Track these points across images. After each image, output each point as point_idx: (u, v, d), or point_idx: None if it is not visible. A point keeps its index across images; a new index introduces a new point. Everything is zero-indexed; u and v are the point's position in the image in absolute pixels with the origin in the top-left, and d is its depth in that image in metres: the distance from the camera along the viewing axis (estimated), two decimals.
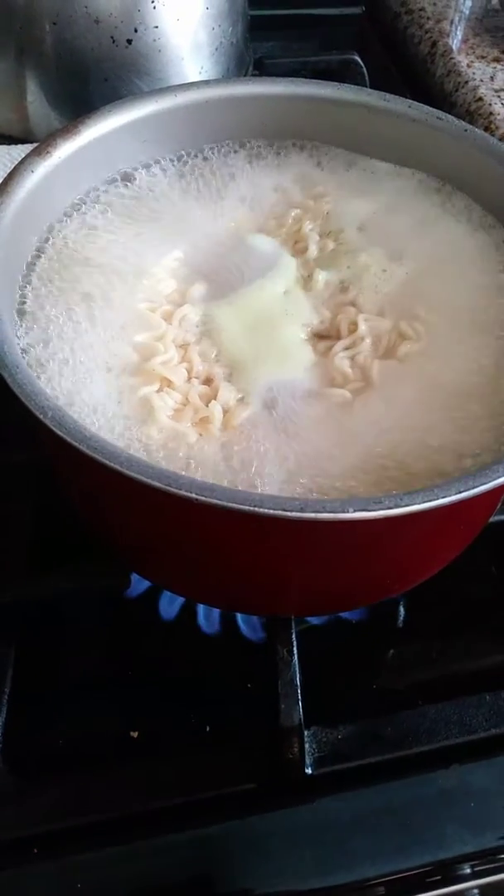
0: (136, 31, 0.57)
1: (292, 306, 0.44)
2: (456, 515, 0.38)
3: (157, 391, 0.39)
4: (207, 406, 0.39)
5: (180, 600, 0.49)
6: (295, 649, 0.46)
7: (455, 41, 0.88)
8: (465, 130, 0.48)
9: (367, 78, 0.79)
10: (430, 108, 0.49)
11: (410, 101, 0.49)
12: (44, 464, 0.42)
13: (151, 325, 0.41)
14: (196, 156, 0.50)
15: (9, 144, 0.61)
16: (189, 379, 0.40)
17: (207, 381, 0.41)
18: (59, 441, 0.32)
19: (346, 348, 0.42)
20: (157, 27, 0.57)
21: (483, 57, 0.85)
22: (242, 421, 0.39)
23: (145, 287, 0.43)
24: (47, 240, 0.44)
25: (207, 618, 0.49)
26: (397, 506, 0.31)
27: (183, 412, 0.39)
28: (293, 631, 0.46)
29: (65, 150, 0.43)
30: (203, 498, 0.30)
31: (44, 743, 0.47)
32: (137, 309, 0.41)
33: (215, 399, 0.39)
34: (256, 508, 0.30)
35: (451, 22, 0.90)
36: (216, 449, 0.38)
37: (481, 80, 0.82)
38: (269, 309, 0.44)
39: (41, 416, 0.32)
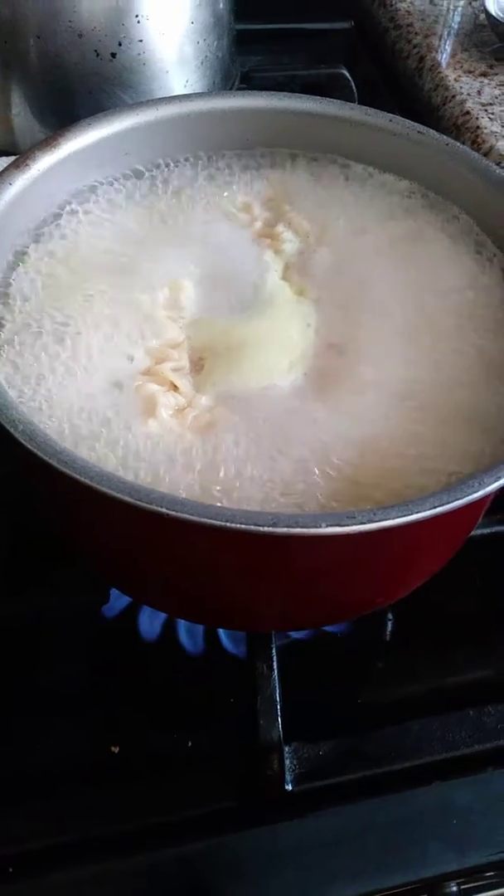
0: (120, 44, 0.57)
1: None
2: (434, 530, 0.38)
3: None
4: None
5: (161, 619, 0.49)
6: (275, 664, 0.46)
7: (443, 56, 0.88)
8: (447, 144, 0.48)
9: (355, 92, 0.80)
10: (412, 123, 0.49)
11: (392, 115, 0.50)
12: (20, 478, 0.42)
13: (161, 332, 0.42)
14: (174, 167, 0.50)
15: None
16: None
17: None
18: (30, 455, 0.32)
19: None
20: (141, 41, 0.57)
21: (470, 71, 0.86)
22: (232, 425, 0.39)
23: (127, 298, 0.43)
24: (26, 251, 0.44)
25: (190, 635, 0.49)
26: (371, 521, 0.31)
27: (183, 414, 0.39)
28: (272, 646, 0.46)
29: (44, 162, 0.43)
30: (173, 513, 0.30)
31: (21, 760, 0.46)
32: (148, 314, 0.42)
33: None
34: (227, 523, 0.30)
35: (440, 37, 0.91)
36: (208, 450, 0.38)
37: (468, 95, 0.82)
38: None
39: (11, 430, 0.32)
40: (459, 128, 0.80)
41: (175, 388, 0.41)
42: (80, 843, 0.43)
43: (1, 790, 0.44)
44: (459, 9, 0.95)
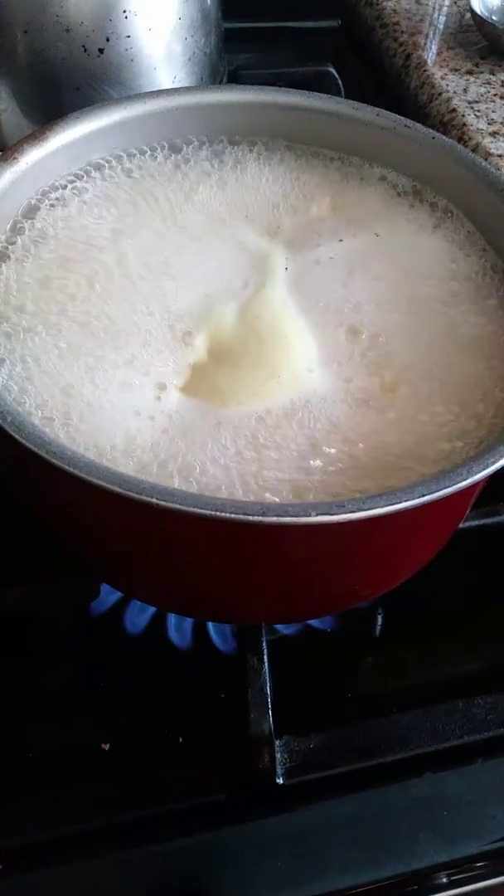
0: (107, 40, 0.57)
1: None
2: (423, 520, 0.38)
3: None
4: None
5: (147, 615, 0.49)
6: (266, 658, 0.46)
7: (429, 54, 0.89)
8: (433, 138, 0.49)
9: (342, 90, 0.80)
10: (399, 117, 0.50)
11: (379, 109, 0.50)
12: (8, 472, 0.42)
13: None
14: (160, 159, 0.50)
15: None
16: None
17: None
18: (19, 446, 0.32)
19: None
20: (129, 36, 0.57)
21: (456, 70, 0.86)
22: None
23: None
24: (13, 240, 0.44)
25: (179, 630, 0.49)
26: (360, 509, 0.31)
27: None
28: (263, 639, 0.46)
29: (32, 156, 0.43)
30: (163, 503, 0.30)
31: (9, 755, 0.46)
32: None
33: None
34: (217, 513, 0.30)
35: (426, 35, 0.91)
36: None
37: (454, 92, 0.82)
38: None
39: (0, 422, 0.32)
40: (446, 125, 0.81)
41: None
42: (71, 838, 0.42)
43: None
44: (445, 8, 0.96)
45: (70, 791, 0.45)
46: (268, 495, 0.36)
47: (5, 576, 0.49)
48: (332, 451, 0.38)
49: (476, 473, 0.33)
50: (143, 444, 0.37)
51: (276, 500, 0.36)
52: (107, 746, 0.47)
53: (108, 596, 0.50)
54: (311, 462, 0.38)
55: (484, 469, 0.33)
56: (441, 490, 0.32)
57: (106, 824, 0.43)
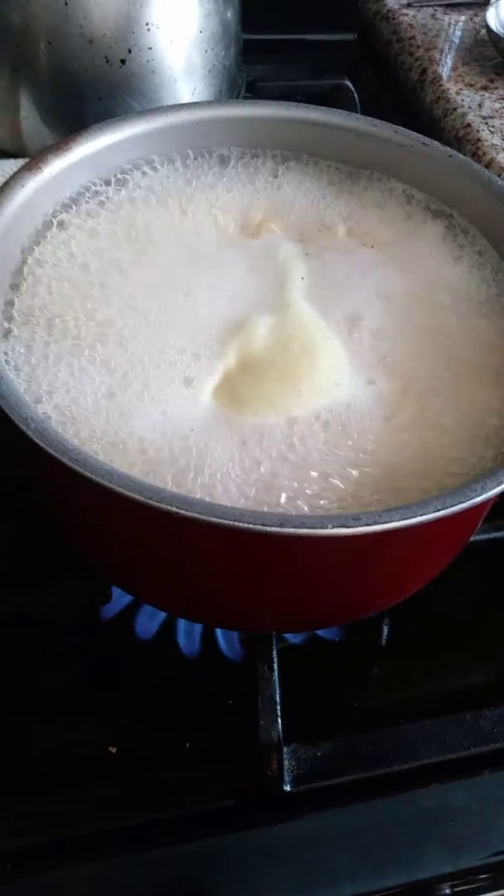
0: (129, 51, 0.58)
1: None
2: (436, 533, 0.39)
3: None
4: None
5: (158, 620, 0.49)
6: (276, 666, 0.46)
7: (444, 69, 0.90)
8: (451, 156, 0.49)
9: (357, 103, 0.81)
10: (416, 134, 0.50)
11: (397, 126, 0.50)
12: (25, 477, 0.42)
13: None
14: (181, 169, 0.50)
15: (2, 159, 0.62)
16: None
17: None
18: (41, 452, 0.32)
19: None
20: (150, 48, 0.58)
21: (471, 85, 0.87)
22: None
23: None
24: (37, 248, 0.45)
25: (188, 637, 0.49)
26: (376, 522, 0.32)
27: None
28: (274, 648, 0.46)
29: (56, 166, 0.44)
30: (183, 511, 0.30)
31: (19, 758, 0.46)
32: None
33: None
34: (236, 523, 0.30)
35: (441, 50, 0.92)
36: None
37: (469, 108, 0.83)
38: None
39: (24, 427, 0.32)
40: (460, 140, 0.82)
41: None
42: (78, 841, 0.43)
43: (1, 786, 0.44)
44: (461, 23, 0.97)
45: (77, 794, 0.45)
46: (283, 503, 0.36)
47: (18, 579, 0.50)
48: (349, 462, 0.38)
49: (489, 490, 0.33)
50: (163, 449, 0.38)
51: (292, 509, 0.36)
52: (114, 750, 0.47)
53: (119, 599, 0.50)
54: (328, 473, 0.38)
55: (497, 486, 0.33)
56: (455, 506, 0.33)
57: (112, 827, 0.43)
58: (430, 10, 0.98)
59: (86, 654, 0.51)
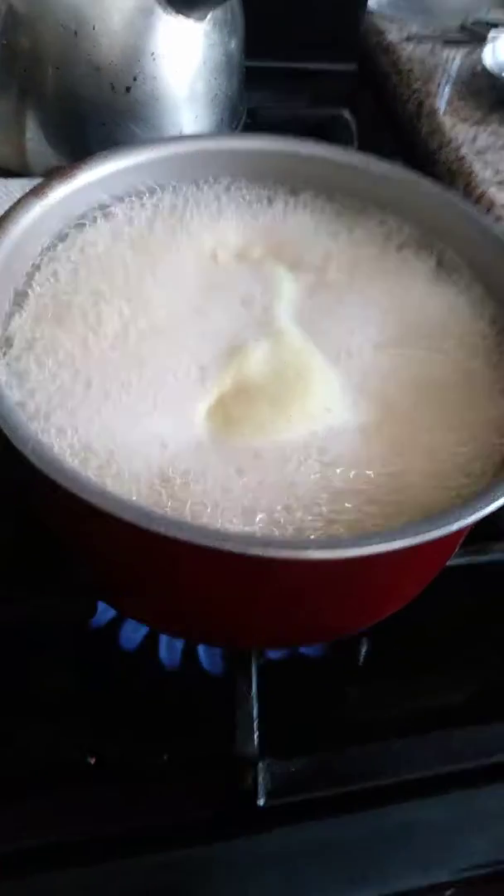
0: (135, 79, 0.60)
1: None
2: (414, 557, 0.40)
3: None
4: None
5: (143, 631, 0.50)
6: (254, 682, 0.47)
7: (441, 102, 0.92)
8: (442, 193, 0.51)
9: (354, 134, 0.83)
10: (410, 171, 0.52)
11: (391, 163, 0.52)
12: (12, 487, 0.43)
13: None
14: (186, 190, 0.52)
15: (5, 178, 0.63)
16: None
17: None
18: (37, 472, 0.34)
19: None
20: (155, 77, 0.60)
21: (466, 119, 0.89)
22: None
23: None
24: (39, 272, 0.47)
25: (169, 650, 0.50)
26: (355, 546, 0.33)
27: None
28: (253, 664, 0.47)
29: (61, 192, 0.45)
30: (170, 533, 0.32)
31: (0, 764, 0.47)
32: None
33: None
34: (221, 545, 0.32)
35: (438, 84, 0.95)
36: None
37: (463, 141, 0.85)
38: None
39: (21, 448, 0.34)
40: (454, 173, 0.84)
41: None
42: (51, 849, 0.43)
43: None
44: (458, 59, 0.99)
45: (53, 802, 0.45)
46: (269, 524, 0.38)
47: (6, 588, 0.51)
48: (337, 485, 0.40)
49: (465, 518, 0.35)
50: (154, 469, 0.39)
51: (277, 531, 0.38)
52: (93, 760, 0.48)
53: (106, 612, 0.51)
54: (315, 495, 0.39)
55: (472, 514, 0.35)
56: (433, 532, 0.34)
57: (86, 837, 0.44)
58: (429, 44, 1.01)
59: (70, 663, 0.52)
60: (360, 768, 0.48)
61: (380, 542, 0.33)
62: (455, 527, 0.35)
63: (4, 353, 0.42)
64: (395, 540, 0.34)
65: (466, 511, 0.35)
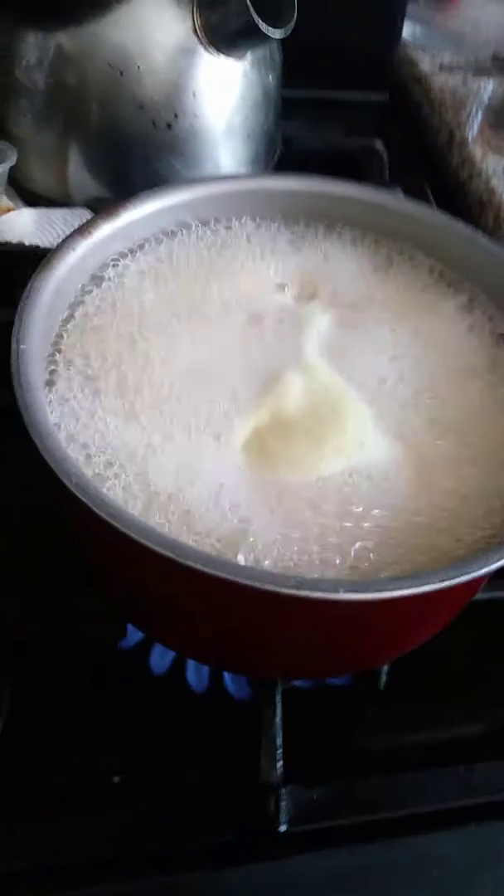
0: (176, 116, 0.61)
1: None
2: (440, 598, 0.41)
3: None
4: None
5: (171, 655, 0.52)
6: (279, 709, 0.48)
7: (471, 133, 0.93)
8: (472, 236, 0.53)
9: (386, 165, 0.84)
10: (439, 213, 0.54)
11: (422, 204, 0.54)
12: (51, 510, 0.44)
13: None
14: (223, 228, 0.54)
15: (48, 207, 0.65)
16: None
17: None
18: (80, 504, 0.35)
19: None
20: (195, 114, 0.62)
21: (498, 149, 0.90)
22: None
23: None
24: (81, 306, 0.48)
25: (197, 674, 0.52)
26: (385, 589, 0.34)
27: None
28: (278, 692, 0.48)
29: (105, 230, 0.47)
30: (207, 569, 0.33)
31: (26, 780, 0.48)
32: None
33: None
34: (256, 583, 0.33)
35: (469, 114, 0.96)
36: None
37: (493, 172, 0.86)
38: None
39: (66, 481, 0.35)
40: (484, 204, 0.85)
41: None
42: (73, 867, 0.44)
43: (8, 810, 0.46)
44: (490, 88, 1.01)
45: (79, 821, 0.46)
46: (300, 559, 0.39)
47: (38, 609, 0.52)
48: (366, 524, 0.41)
49: (490, 564, 0.36)
50: (191, 502, 0.41)
51: (307, 566, 0.39)
52: (117, 779, 0.49)
53: (136, 633, 0.53)
54: (347, 532, 0.41)
55: (498, 561, 0.36)
56: (459, 577, 0.35)
57: (109, 855, 0.45)
58: (462, 74, 1.02)
59: (101, 682, 0.53)
60: (381, 797, 0.48)
61: (408, 587, 0.34)
62: (481, 572, 0.36)
63: (48, 384, 0.44)
64: (422, 585, 0.35)
65: (492, 557, 0.36)
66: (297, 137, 0.83)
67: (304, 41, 0.79)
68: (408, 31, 1.05)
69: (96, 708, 0.52)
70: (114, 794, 0.49)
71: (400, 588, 0.34)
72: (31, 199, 0.67)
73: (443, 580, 0.35)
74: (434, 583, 0.35)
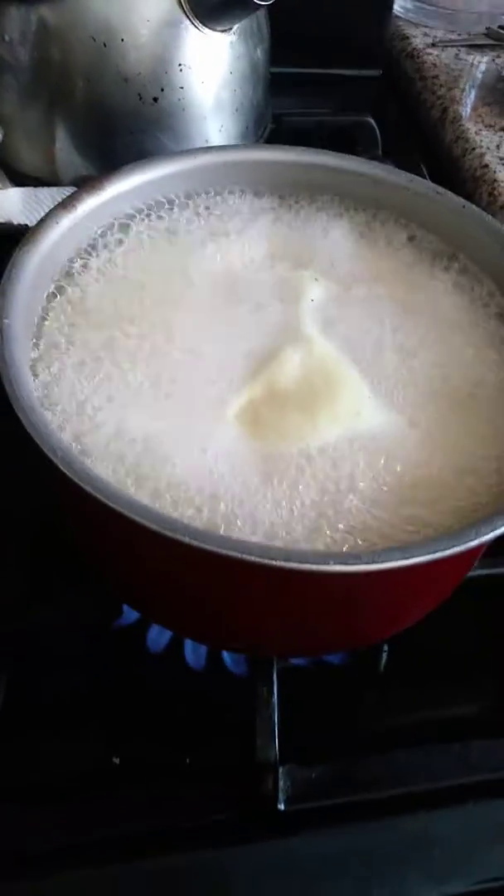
0: (162, 90, 0.60)
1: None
2: (433, 571, 0.41)
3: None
4: None
5: (169, 634, 0.51)
6: (275, 688, 0.48)
7: (465, 109, 0.92)
8: (463, 206, 0.52)
9: (379, 140, 0.83)
10: (430, 183, 0.53)
11: (412, 175, 0.53)
12: (44, 495, 0.44)
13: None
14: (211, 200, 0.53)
15: (35, 186, 0.64)
16: None
17: None
18: (66, 480, 0.34)
19: None
20: (182, 88, 0.61)
21: (491, 125, 0.89)
22: None
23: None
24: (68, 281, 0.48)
25: (195, 652, 0.51)
26: (375, 561, 0.34)
27: None
28: (274, 670, 0.48)
29: (89, 204, 0.46)
30: (195, 543, 0.33)
31: (26, 764, 0.48)
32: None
33: None
34: (244, 556, 0.32)
35: (462, 90, 0.95)
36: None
37: (487, 148, 0.85)
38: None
39: (51, 456, 0.34)
40: (477, 179, 0.84)
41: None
42: (73, 848, 0.44)
43: (4, 794, 0.46)
44: (483, 64, 0.99)
45: (78, 802, 0.46)
46: (285, 530, 0.38)
47: (31, 594, 0.52)
48: (361, 494, 0.40)
49: (484, 535, 0.35)
50: (181, 473, 0.40)
51: (299, 540, 0.38)
52: (117, 761, 0.49)
53: (131, 612, 0.52)
54: (335, 502, 0.40)
55: (491, 531, 0.35)
56: (452, 548, 0.35)
57: (109, 837, 0.45)
58: (455, 50, 1.01)
59: (97, 663, 0.53)
60: (379, 776, 0.48)
61: (399, 558, 0.34)
62: (472, 544, 0.35)
63: (34, 363, 0.43)
64: (413, 556, 0.34)
65: (483, 529, 0.36)
66: (289, 114, 0.82)
67: (296, 17, 0.78)
68: (400, 5, 1.04)
69: (94, 689, 0.52)
70: (112, 774, 0.48)
71: (391, 560, 0.34)
72: (19, 178, 0.66)
73: (434, 552, 0.34)
74: (424, 554, 0.34)
